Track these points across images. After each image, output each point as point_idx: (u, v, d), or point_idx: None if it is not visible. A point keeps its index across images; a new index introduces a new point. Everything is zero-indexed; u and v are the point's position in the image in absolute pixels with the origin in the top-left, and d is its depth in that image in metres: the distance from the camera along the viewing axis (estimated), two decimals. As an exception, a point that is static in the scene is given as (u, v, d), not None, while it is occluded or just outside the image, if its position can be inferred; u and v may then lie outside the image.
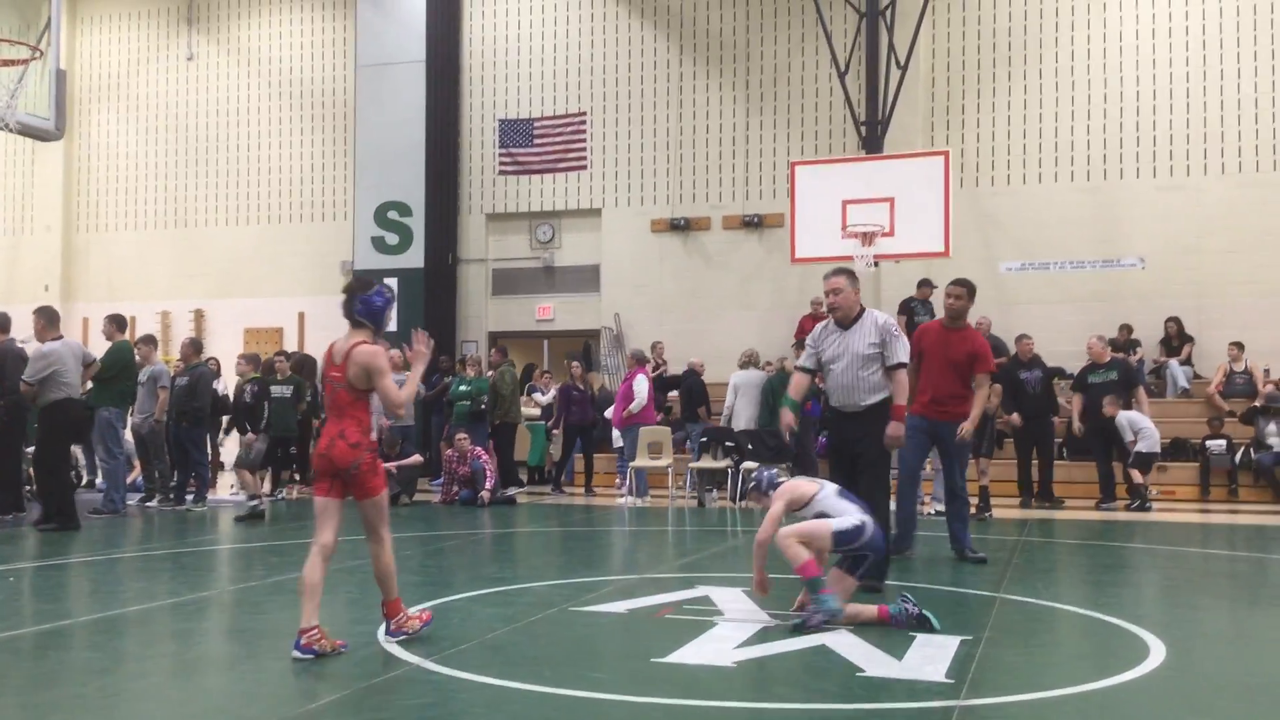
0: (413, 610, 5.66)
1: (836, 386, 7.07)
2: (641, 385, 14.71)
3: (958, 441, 8.45)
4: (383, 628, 5.64)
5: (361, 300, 5.38)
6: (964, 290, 8.61)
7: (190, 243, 21.57)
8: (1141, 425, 13.40)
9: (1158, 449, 13.64)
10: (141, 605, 6.73)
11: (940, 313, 16.67)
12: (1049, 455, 13.71)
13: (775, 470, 6.50)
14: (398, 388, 5.39)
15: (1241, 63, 16.72)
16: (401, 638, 5.47)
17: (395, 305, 6.30)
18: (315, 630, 5.16)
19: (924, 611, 5.74)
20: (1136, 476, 13.29)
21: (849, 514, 5.97)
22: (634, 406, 14.63)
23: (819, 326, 7.29)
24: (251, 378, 13.39)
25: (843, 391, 7.04)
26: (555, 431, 16.14)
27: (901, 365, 6.97)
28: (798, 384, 7.31)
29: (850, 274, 7.16)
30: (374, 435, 5.70)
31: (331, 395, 5.39)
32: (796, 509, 6.08)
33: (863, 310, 7.11)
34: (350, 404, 5.33)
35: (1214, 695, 4.66)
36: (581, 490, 15.66)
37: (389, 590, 5.50)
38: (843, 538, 5.91)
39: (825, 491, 6.10)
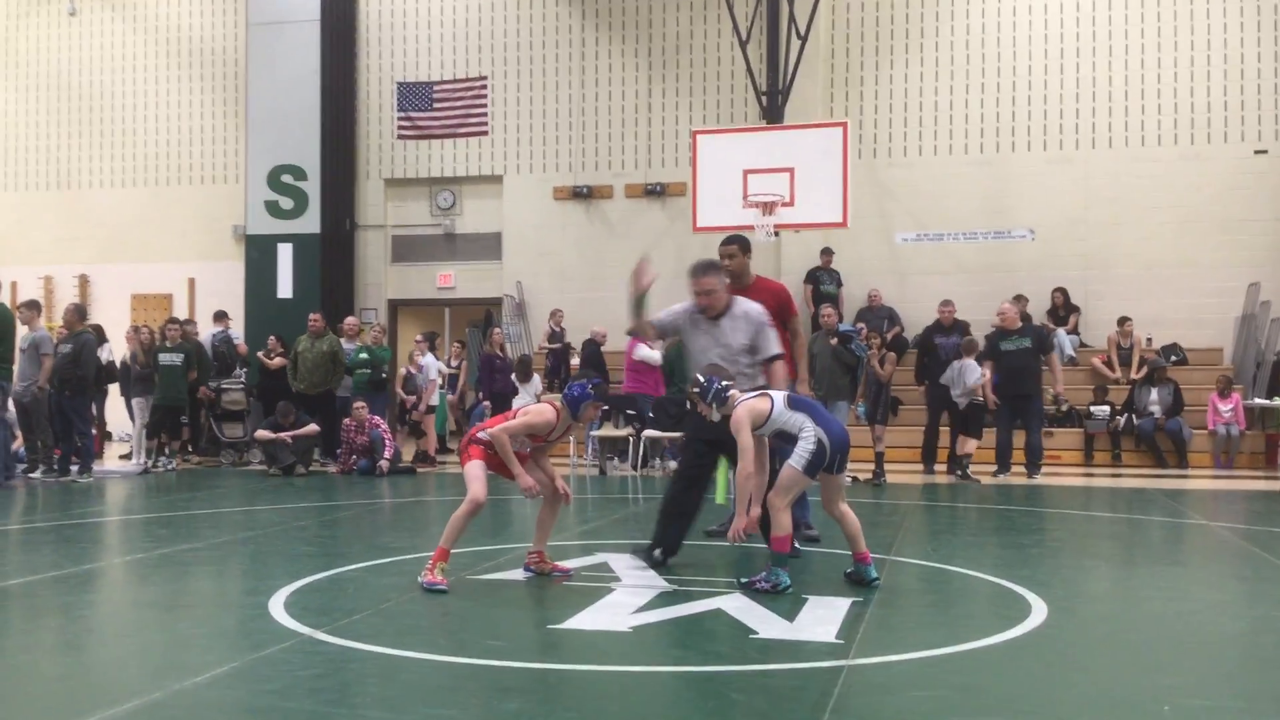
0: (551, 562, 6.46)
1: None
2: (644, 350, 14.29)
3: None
4: (280, 597, 5.71)
5: (568, 387, 6.37)
6: (735, 248, 7.82)
7: (74, 205, 20.78)
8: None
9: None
10: (23, 578, 6.52)
11: (846, 281, 17.26)
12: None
13: (722, 381, 6.18)
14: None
15: (1129, 39, 17.21)
16: (530, 574, 6.36)
17: (595, 402, 6.25)
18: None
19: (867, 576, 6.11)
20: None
21: (804, 430, 5.85)
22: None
23: (682, 311, 6.89)
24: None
25: None
26: (486, 403, 15.75)
27: (777, 357, 6.71)
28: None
29: (720, 272, 6.84)
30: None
31: None
32: (756, 428, 5.97)
33: (731, 300, 6.79)
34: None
35: (1091, 651, 4.84)
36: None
37: (536, 539, 6.48)
38: (813, 466, 5.84)
39: (777, 406, 5.97)
